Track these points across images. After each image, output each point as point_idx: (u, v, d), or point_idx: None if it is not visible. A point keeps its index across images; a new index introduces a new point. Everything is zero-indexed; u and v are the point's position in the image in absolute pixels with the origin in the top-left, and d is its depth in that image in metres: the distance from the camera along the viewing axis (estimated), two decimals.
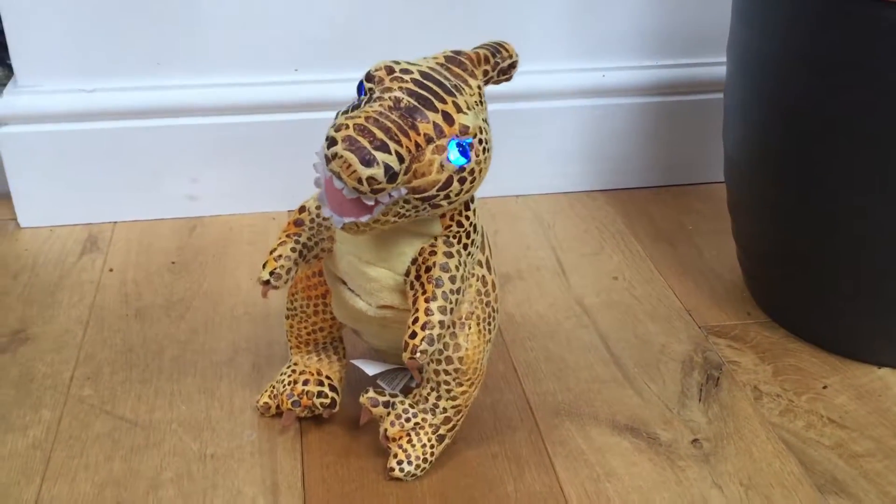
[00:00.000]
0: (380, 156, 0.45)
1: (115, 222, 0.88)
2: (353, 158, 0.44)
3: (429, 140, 0.46)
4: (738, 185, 0.74)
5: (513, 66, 0.53)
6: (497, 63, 0.51)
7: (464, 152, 0.47)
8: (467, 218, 0.53)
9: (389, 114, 0.46)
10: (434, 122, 0.46)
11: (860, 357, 0.71)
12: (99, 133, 0.84)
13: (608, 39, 0.90)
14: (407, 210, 0.48)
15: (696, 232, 0.89)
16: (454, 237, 0.53)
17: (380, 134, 0.45)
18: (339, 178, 0.45)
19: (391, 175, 0.45)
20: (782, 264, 0.72)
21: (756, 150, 0.70)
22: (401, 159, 0.45)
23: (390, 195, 0.46)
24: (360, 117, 0.46)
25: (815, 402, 0.67)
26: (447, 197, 0.48)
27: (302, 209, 0.57)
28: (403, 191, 0.47)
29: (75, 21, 0.80)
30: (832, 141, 0.63)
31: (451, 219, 0.53)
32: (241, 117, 0.86)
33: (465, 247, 0.53)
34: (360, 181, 0.45)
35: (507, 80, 0.53)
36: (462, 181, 0.48)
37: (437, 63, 0.50)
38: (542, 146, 0.93)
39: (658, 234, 0.89)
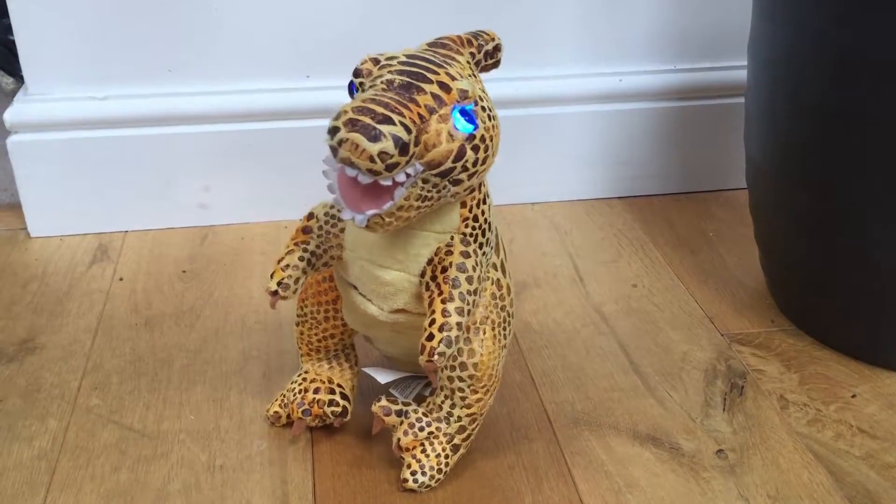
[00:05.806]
0: (386, 128, 0.44)
1: (126, 231, 0.87)
2: (359, 138, 0.43)
3: (431, 111, 0.46)
4: (761, 188, 0.72)
5: (497, 48, 0.53)
6: (481, 45, 0.52)
7: (469, 119, 0.47)
8: (483, 212, 0.52)
9: (385, 93, 0.46)
10: (431, 92, 0.46)
11: (891, 365, 0.69)
12: (110, 141, 0.83)
13: (625, 43, 0.89)
14: (428, 191, 0.47)
15: (718, 239, 0.87)
16: (470, 236, 0.52)
17: (380, 109, 0.44)
18: (351, 163, 0.44)
19: (402, 146, 0.44)
20: (808, 270, 0.70)
21: (781, 152, 0.68)
22: (407, 130, 0.44)
23: (406, 174, 0.45)
24: (356, 101, 0.45)
25: (845, 412, 0.65)
26: (465, 169, 0.47)
27: (310, 216, 0.56)
28: (420, 167, 0.46)
29: (86, 28, 0.79)
30: (862, 141, 0.61)
31: (470, 210, 0.52)
32: (253, 124, 0.85)
33: (481, 246, 0.52)
34: (371, 159, 0.44)
35: (496, 65, 0.54)
36: (476, 149, 0.47)
37: (421, 50, 0.50)
38: (558, 152, 0.91)
39: (678, 241, 0.87)
